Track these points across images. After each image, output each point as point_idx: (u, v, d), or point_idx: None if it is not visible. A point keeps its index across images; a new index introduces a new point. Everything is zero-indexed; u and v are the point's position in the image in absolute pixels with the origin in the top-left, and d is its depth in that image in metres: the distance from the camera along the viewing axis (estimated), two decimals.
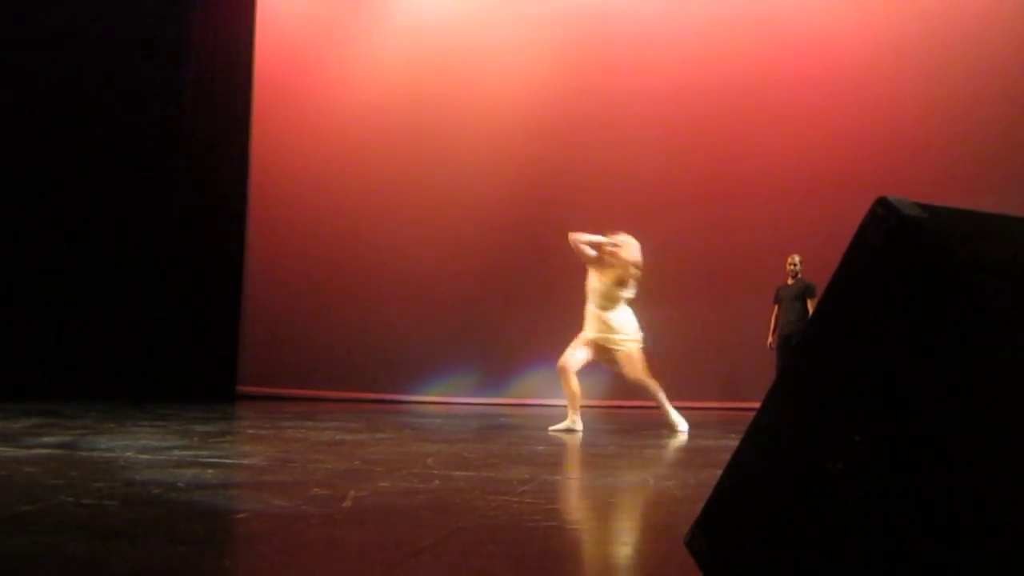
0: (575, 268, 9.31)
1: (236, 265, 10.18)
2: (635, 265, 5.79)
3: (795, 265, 8.08)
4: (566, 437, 5.55)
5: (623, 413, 8.12)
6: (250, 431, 5.89)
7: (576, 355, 5.88)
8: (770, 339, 8.21)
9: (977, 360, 1.15)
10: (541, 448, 4.82)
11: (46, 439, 4.63)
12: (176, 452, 4.13)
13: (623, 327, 5.88)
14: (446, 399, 9.05)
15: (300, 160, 10.17)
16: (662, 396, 5.86)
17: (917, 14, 8.91)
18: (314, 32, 10.45)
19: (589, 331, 5.92)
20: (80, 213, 9.34)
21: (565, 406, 8.84)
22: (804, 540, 1.32)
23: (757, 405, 1.51)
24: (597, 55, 9.64)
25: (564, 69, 9.67)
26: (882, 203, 1.28)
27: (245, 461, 4.06)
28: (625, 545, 2.26)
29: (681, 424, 5.82)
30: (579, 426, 5.78)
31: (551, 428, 5.80)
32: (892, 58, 8.88)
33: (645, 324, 9.09)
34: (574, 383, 5.81)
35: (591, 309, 5.92)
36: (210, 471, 3.50)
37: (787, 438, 1.37)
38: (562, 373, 5.89)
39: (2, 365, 8.33)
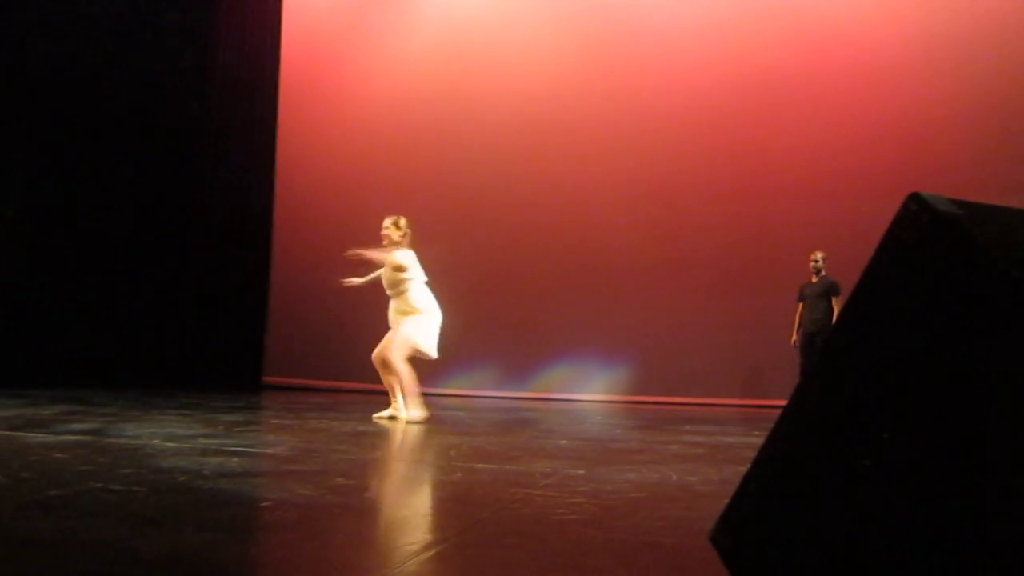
0: (598, 264, 9.32)
1: (262, 258, 10.26)
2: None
3: (818, 262, 8.00)
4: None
5: (646, 408, 8.10)
6: (274, 421, 5.94)
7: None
8: (794, 337, 8.14)
9: (1011, 358, 1.14)
10: (564, 442, 4.82)
11: (75, 426, 4.70)
12: (202, 440, 4.18)
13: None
14: (468, 392, 9.07)
15: (325, 154, 10.22)
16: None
17: (945, 8, 8.78)
18: (339, 28, 10.49)
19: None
20: (110, 206, 9.45)
21: (589, 400, 8.87)
22: (831, 537, 1.31)
23: (780, 403, 1.50)
24: (621, 51, 9.59)
25: (589, 65, 9.63)
26: (915, 199, 1.26)
27: (269, 450, 4.09)
28: (647, 540, 2.26)
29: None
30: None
31: (375, 416, 5.74)
32: (919, 53, 8.76)
33: (668, 322, 9.11)
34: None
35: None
36: (235, 460, 3.53)
37: (815, 434, 1.36)
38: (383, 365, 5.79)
39: (32, 354, 8.46)
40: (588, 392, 9.05)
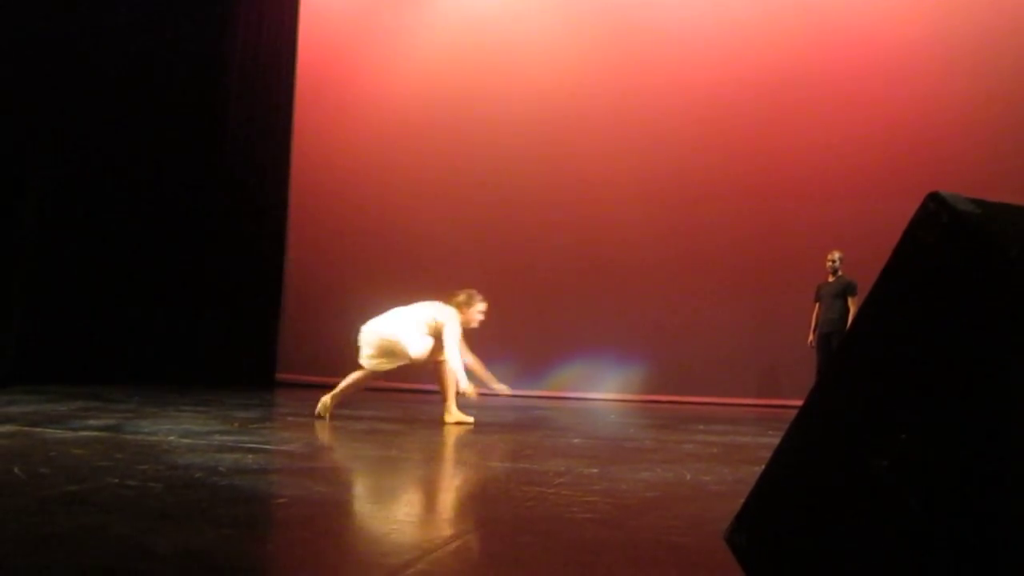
0: (612, 262, 9.30)
1: (277, 255, 10.31)
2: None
3: (835, 262, 7.96)
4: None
5: (660, 408, 8.09)
6: (289, 418, 5.96)
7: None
8: (810, 337, 8.10)
9: None
10: (577, 441, 4.82)
11: (92, 422, 4.73)
12: (217, 437, 4.20)
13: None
14: (482, 390, 9.06)
15: (340, 152, 10.25)
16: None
17: (960, 6, 8.71)
18: (355, 26, 10.53)
19: None
20: (124, 204, 9.51)
21: (603, 399, 8.85)
22: (846, 537, 1.30)
23: (796, 403, 1.50)
24: (636, 50, 9.57)
25: (603, 64, 9.62)
26: (934, 198, 1.25)
27: (284, 447, 4.11)
28: (661, 539, 2.25)
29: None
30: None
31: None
32: (935, 51, 8.68)
33: (682, 321, 9.08)
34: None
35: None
36: (250, 456, 3.55)
37: (832, 435, 1.36)
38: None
39: (50, 350, 8.52)
40: (602, 391, 9.04)
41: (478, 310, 5.76)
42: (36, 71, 8.63)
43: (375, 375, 5.63)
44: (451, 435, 4.88)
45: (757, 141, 9.03)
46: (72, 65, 8.98)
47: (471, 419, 5.60)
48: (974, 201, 1.24)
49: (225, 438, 4.17)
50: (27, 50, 8.51)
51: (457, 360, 5.39)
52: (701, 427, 5.88)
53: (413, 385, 9.21)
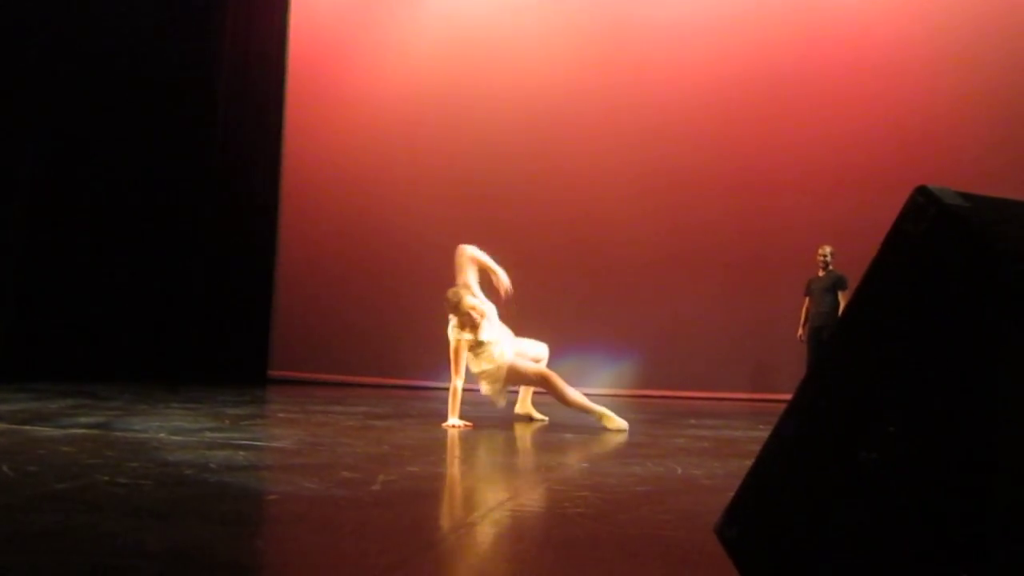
0: (604, 258, 9.31)
1: (269, 252, 10.28)
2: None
3: (826, 257, 8.00)
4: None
5: (651, 402, 8.10)
6: (280, 415, 5.95)
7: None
8: (800, 331, 8.14)
9: (1018, 351, 1.13)
10: (569, 436, 4.82)
11: (81, 419, 4.72)
12: (208, 434, 4.19)
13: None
14: (474, 386, 9.07)
15: (332, 149, 10.22)
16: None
17: (951, 3, 8.74)
18: (346, 23, 10.48)
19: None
20: (115, 201, 9.47)
21: (594, 394, 8.85)
22: (835, 530, 1.31)
23: (786, 397, 1.50)
24: (628, 47, 9.57)
25: (595, 62, 9.61)
26: (922, 192, 1.26)
27: (275, 444, 4.10)
28: (652, 533, 2.26)
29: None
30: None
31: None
32: (926, 47, 8.71)
33: (674, 316, 9.10)
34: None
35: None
36: (241, 453, 3.54)
37: (820, 427, 1.36)
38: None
39: (39, 347, 8.49)
40: (593, 386, 9.04)
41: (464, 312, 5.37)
42: (27, 67, 8.59)
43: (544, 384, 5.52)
44: (443, 432, 4.88)
45: (749, 138, 9.05)
46: (62, 61, 8.93)
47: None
48: (962, 195, 1.25)
49: (216, 435, 4.16)
50: (18, 46, 8.46)
51: (454, 383, 5.21)
52: (692, 421, 5.90)
53: (406, 381, 9.22)
